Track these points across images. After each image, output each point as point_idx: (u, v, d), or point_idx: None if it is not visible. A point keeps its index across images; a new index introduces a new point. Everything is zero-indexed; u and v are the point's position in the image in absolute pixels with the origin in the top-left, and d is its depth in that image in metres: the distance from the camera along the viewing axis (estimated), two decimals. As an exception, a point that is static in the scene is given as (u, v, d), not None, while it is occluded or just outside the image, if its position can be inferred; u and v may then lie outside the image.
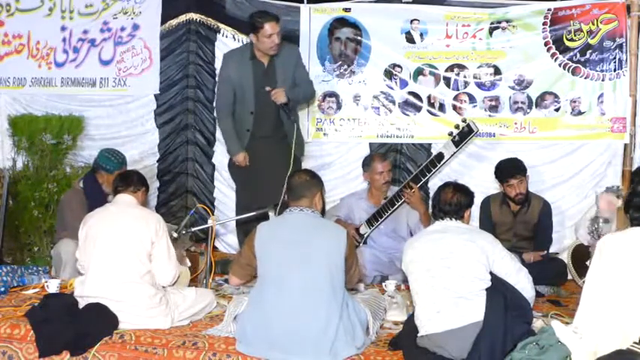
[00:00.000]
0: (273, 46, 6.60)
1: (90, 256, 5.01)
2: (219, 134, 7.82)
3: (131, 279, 4.90)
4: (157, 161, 8.03)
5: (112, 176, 6.35)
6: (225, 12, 7.81)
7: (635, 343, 3.68)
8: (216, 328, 4.99)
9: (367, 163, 6.86)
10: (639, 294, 4.07)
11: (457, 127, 6.36)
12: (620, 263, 4.27)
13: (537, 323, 5.02)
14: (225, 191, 7.84)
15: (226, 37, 7.82)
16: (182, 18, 7.88)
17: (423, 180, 6.45)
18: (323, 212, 4.98)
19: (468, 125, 6.24)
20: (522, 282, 4.75)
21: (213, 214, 6.19)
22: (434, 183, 7.01)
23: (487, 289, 4.53)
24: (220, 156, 7.89)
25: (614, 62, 7.20)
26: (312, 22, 7.62)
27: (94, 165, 6.66)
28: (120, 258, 4.92)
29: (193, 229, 6.21)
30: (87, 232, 5.10)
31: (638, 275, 4.17)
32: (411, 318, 4.82)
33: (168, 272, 5.12)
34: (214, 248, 6.57)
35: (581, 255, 6.67)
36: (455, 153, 6.39)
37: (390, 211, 6.59)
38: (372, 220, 6.65)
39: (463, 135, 6.25)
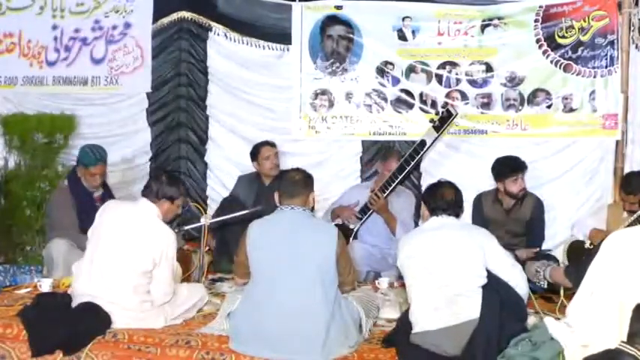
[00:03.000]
0: (272, 167, 6.93)
1: (91, 251, 4.95)
2: (211, 132, 7.86)
3: (123, 288, 4.82)
4: (150, 160, 8.03)
5: (90, 171, 6.41)
6: (217, 10, 7.81)
7: (623, 342, 3.69)
8: (209, 326, 4.97)
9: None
10: (637, 291, 4.09)
11: (437, 113, 6.40)
12: (622, 260, 4.28)
13: (530, 320, 5.04)
14: (218, 189, 7.85)
15: (218, 35, 7.82)
16: (174, 16, 7.88)
17: (408, 168, 6.47)
18: (312, 211, 4.99)
19: (447, 110, 6.29)
20: (516, 278, 4.76)
21: (206, 213, 6.18)
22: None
23: (483, 287, 4.55)
24: (213, 154, 7.90)
25: (606, 59, 7.20)
26: (304, 20, 7.62)
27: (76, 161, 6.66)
28: (117, 265, 4.82)
29: (186, 228, 6.21)
30: (98, 224, 5.01)
31: (635, 270, 4.20)
32: (405, 315, 4.82)
33: (164, 295, 5.00)
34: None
35: (577, 251, 6.67)
36: (436, 138, 6.40)
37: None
38: (361, 213, 6.66)
39: (443, 120, 6.27)
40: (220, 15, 7.79)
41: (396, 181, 6.47)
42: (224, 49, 7.82)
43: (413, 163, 6.45)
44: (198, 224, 6.03)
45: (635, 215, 6.06)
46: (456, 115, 6.24)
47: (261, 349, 4.50)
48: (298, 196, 4.75)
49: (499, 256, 4.72)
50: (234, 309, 4.77)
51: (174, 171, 7.92)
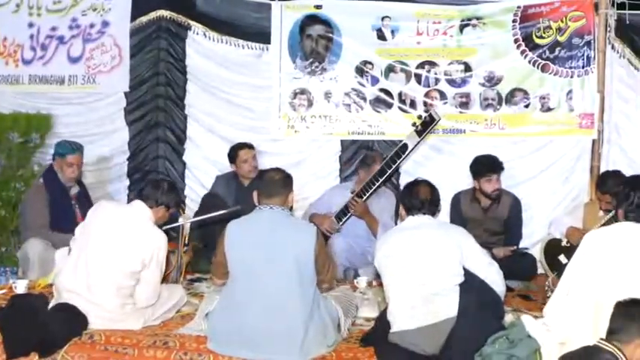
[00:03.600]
0: (251, 170, 6.93)
1: (79, 247, 4.92)
2: (189, 132, 7.83)
3: (105, 288, 4.80)
4: (127, 159, 7.99)
5: (67, 160, 6.44)
6: (195, 9, 7.78)
7: (601, 339, 3.71)
8: (187, 326, 4.98)
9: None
10: (615, 289, 4.11)
11: (420, 117, 6.39)
12: (597, 259, 4.31)
13: (507, 318, 5.06)
14: (196, 189, 7.82)
15: (197, 34, 7.80)
16: (152, 15, 7.84)
17: (389, 171, 6.44)
18: (291, 211, 4.98)
19: (430, 115, 6.26)
20: (493, 276, 4.78)
21: (184, 213, 6.16)
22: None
23: (460, 285, 4.57)
24: (191, 154, 7.87)
25: (583, 59, 7.25)
26: (284, 19, 7.60)
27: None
28: (104, 264, 4.80)
29: (164, 228, 6.18)
30: (89, 222, 5.00)
31: (617, 271, 4.22)
32: (383, 314, 4.84)
33: (149, 299, 4.99)
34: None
35: (554, 249, 6.71)
36: (418, 142, 6.39)
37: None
38: (340, 215, 6.66)
39: (425, 124, 6.27)
40: (199, 14, 7.76)
41: (377, 184, 6.47)
42: (203, 49, 7.79)
43: (394, 167, 6.44)
44: (177, 224, 5.99)
45: (611, 214, 6.10)
46: (439, 120, 6.24)
47: (240, 349, 4.51)
48: (277, 195, 4.74)
49: (476, 254, 4.75)
50: (212, 309, 4.77)
51: (151, 171, 7.92)
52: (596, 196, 6.63)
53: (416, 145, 6.40)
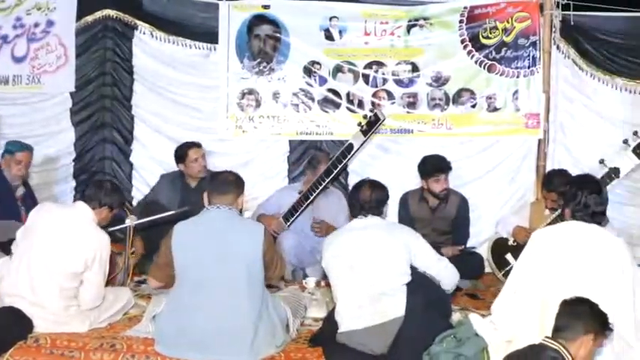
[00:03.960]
0: (200, 170, 6.84)
1: (21, 250, 4.87)
2: (136, 132, 7.75)
3: (49, 290, 4.75)
4: (73, 160, 7.87)
5: (16, 158, 6.41)
6: (142, 8, 7.70)
7: (546, 337, 3.76)
8: (134, 329, 4.95)
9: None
10: (561, 288, 4.16)
11: (365, 117, 6.41)
12: (543, 257, 4.36)
13: (455, 316, 5.10)
14: (143, 190, 7.73)
15: (144, 33, 7.71)
16: (98, 14, 7.73)
17: (335, 171, 6.44)
18: (241, 213, 4.98)
19: (375, 114, 6.28)
20: (443, 271, 4.90)
21: (131, 214, 6.10)
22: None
23: (407, 285, 4.59)
24: (138, 155, 7.80)
25: (528, 59, 7.34)
26: (231, 19, 7.56)
27: None
28: (46, 266, 4.75)
29: (111, 229, 6.12)
30: (31, 224, 4.95)
31: (563, 269, 4.27)
32: (331, 314, 4.86)
33: (93, 300, 4.96)
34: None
35: (501, 248, 6.78)
36: (364, 142, 6.41)
37: (304, 206, 6.58)
38: (288, 216, 6.65)
39: (370, 124, 6.28)
40: (146, 13, 7.69)
41: (323, 184, 6.47)
42: (150, 48, 7.72)
43: (340, 167, 6.44)
44: (124, 225, 5.94)
45: (556, 213, 6.18)
46: (384, 119, 6.26)
47: (187, 351, 4.50)
48: (228, 194, 4.74)
49: (424, 252, 4.81)
50: (159, 311, 4.75)
51: (98, 172, 7.83)
52: (542, 195, 6.70)
53: (361, 145, 6.42)
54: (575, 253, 4.32)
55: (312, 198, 6.53)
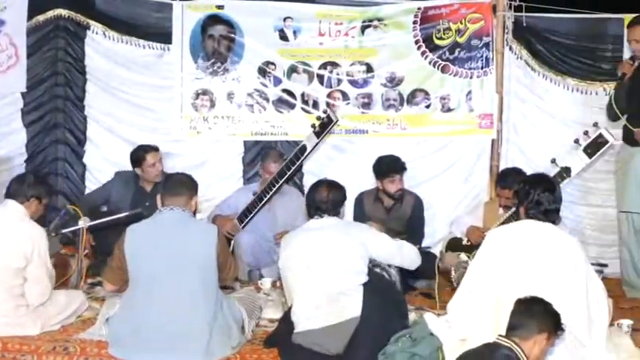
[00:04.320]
0: (157, 174, 6.72)
1: None
2: (89, 133, 7.67)
3: None
4: (25, 161, 7.76)
5: None
6: (94, 8, 7.63)
7: (500, 335, 3.79)
8: (88, 331, 4.91)
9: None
10: (515, 286, 4.20)
11: (319, 118, 6.41)
12: (498, 257, 4.40)
13: (411, 316, 5.13)
14: (92, 189, 7.65)
15: (96, 33, 7.63)
16: (50, 14, 7.64)
17: (289, 173, 6.43)
18: (194, 215, 4.97)
19: (328, 116, 6.28)
20: (407, 256, 5.03)
21: (84, 215, 6.04)
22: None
23: (364, 285, 4.61)
24: (91, 156, 7.72)
25: (482, 60, 7.40)
26: (185, 19, 7.52)
27: None
28: None
29: (63, 231, 6.06)
30: None
31: (517, 268, 4.31)
32: (286, 315, 4.86)
33: (40, 295, 4.92)
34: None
35: (455, 248, 6.81)
36: (317, 144, 6.41)
37: (258, 207, 6.57)
38: (242, 217, 6.64)
39: (323, 125, 6.29)
40: (98, 13, 7.61)
41: (277, 186, 6.46)
42: (102, 48, 7.64)
43: (294, 168, 6.44)
44: (76, 227, 5.89)
45: (510, 212, 6.24)
46: (337, 121, 6.26)
47: (142, 353, 4.49)
48: (181, 195, 4.74)
49: (383, 244, 4.88)
50: (113, 314, 4.72)
51: (50, 173, 7.74)
52: (496, 193, 6.77)
53: (315, 147, 6.42)
54: (530, 252, 4.37)
55: (265, 199, 6.51)
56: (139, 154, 6.75)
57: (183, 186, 4.79)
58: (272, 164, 6.71)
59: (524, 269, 4.31)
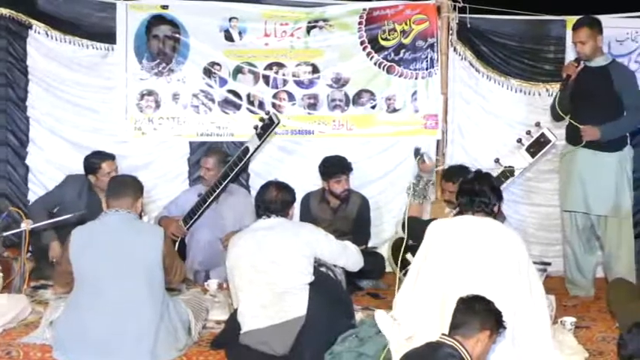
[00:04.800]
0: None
1: None
2: (32, 134, 7.55)
3: None
4: (-34, 165, 7.64)
5: None
6: (36, 7, 7.49)
7: (443, 334, 3.82)
8: (31, 335, 4.88)
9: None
10: (459, 283, 4.24)
11: (262, 119, 6.41)
12: (442, 249, 4.44)
13: (358, 316, 5.16)
14: (40, 193, 7.53)
15: (39, 33, 7.50)
16: (-10, 13, 7.52)
17: (232, 174, 6.42)
18: (140, 217, 4.95)
19: (270, 117, 6.29)
20: (351, 257, 5.07)
21: (27, 218, 5.96)
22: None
23: (310, 284, 4.64)
24: (34, 158, 7.60)
25: (427, 61, 7.46)
26: (129, 20, 7.43)
27: None
28: None
29: (5, 234, 5.98)
30: None
31: (460, 263, 4.36)
32: (233, 315, 4.89)
33: None
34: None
35: (401, 248, 6.86)
36: (259, 145, 6.42)
37: (202, 208, 6.55)
38: (187, 219, 6.60)
39: (266, 127, 6.29)
40: (40, 13, 7.48)
41: (220, 187, 6.44)
42: (45, 48, 7.52)
43: (237, 170, 6.42)
44: (19, 230, 5.81)
45: (456, 210, 6.30)
46: (279, 122, 6.26)
47: (87, 357, 4.48)
48: (126, 197, 4.73)
49: (328, 245, 4.92)
50: (57, 317, 4.69)
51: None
52: (441, 187, 6.85)
53: (257, 148, 6.42)
54: (473, 247, 4.43)
55: (209, 201, 6.49)
56: (94, 163, 6.58)
57: (127, 188, 4.77)
58: (208, 159, 6.74)
59: (468, 265, 4.37)
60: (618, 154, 6.29)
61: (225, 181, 6.41)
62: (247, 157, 6.38)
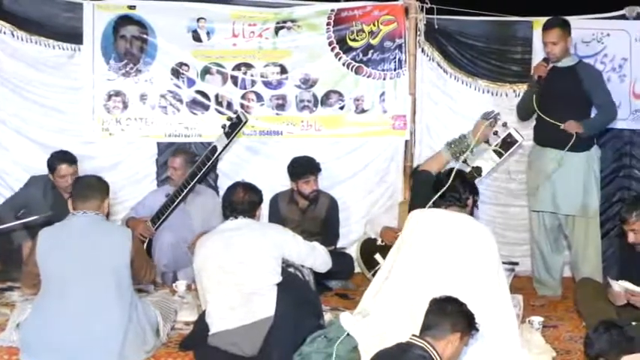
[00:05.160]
0: (68, 186, 6.45)
1: None
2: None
3: None
4: None
5: None
6: (2, 7, 7.37)
7: (414, 335, 3.83)
8: (-2, 337, 4.81)
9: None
10: (431, 281, 4.26)
11: (229, 119, 6.41)
12: (414, 244, 4.46)
13: (327, 316, 5.17)
14: (6, 195, 7.43)
15: (4, 33, 7.39)
16: (-48, 13, 7.42)
17: (200, 174, 6.41)
18: (107, 218, 4.93)
19: (238, 116, 6.29)
20: (319, 258, 5.11)
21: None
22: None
23: (278, 285, 4.64)
24: (1, 159, 7.50)
25: (395, 62, 7.48)
26: (96, 20, 7.36)
27: None
28: None
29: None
30: None
31: (433, 261, 4.38)
32: (201, 317, 4.88)
33: None
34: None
35: (370, 248, 6.89)
36: (227, 144, 6.41)
37: (170, 209, 6.53)
38: (155, 219, 6.58)
39: (233, 126, 6.29)
40: (6, 12, 7.38)
41: (188, 187, 6.43)
42: (10, 49, 7.41)
43: (204, 169, 6.41)
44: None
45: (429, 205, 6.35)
46: (246, 121, 6.26)
47: (54, 359, 4.40)
48: (92, 199, 4.71)
49: (296, 246, 4.94)
50: (24, 319, 4.66)
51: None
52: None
53: (225, 147, 6.41)
54: (444, 243, 4.48)
55: (177, 201, 6.48)
56: (53, 162, 6.63)
57: (93, 189, 4.75)
58: (175, 159, 6.77)
59: (440, 262, 4.41)
60: (586, 153, 6.38)
61: (194, 181, 6.40)
62: (215, 156, 6.37)
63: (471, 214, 4.91)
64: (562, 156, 6.28)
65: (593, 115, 6.53)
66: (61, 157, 6.65)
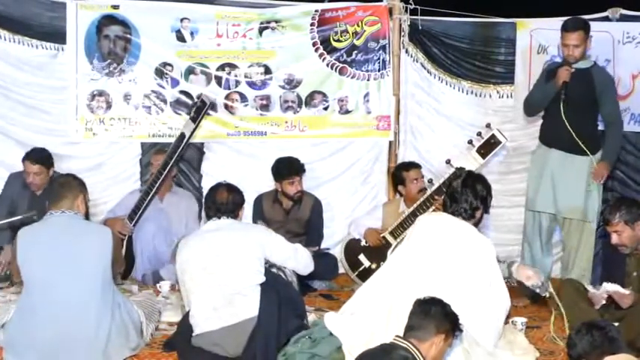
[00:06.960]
0: (34, 184, 6.62)
1: None
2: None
3: None
4: None
5: None
6: (-17, 7, 7.40)
7: (397, 336, 3.84)
8: (-18, 338, 4.79)
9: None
10: (419, 283, 4.27)
11: (194, 104, 6.55)
12: (410, 247, 4.47)
13: (310, 317, 5.17)
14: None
15: (-13, 33, 7.39)
16: (-64, 11, 7.37)
17: (171, 162, 6.49)
18: (87, 216, 4.91)
19: (202, 100, 6.31)
20: (301, 261, 5.12)
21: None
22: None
23: (261, 285, 4.64)
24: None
25: (379, 63, 7.49)
26: (79, 19, 7.32)
27: None
28: None
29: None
30: None
31: (420, 262, 4.39)
32: (185, 318, 4.86)
33: None
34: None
35: (354, 249, 6.90)
36: (195, 129, 6.47)
37: (146, 202, 6.56)
38: (132, 215, 6.58)
39: (198, 110, 6.32)
40: (-13, 12, 7.39)
41: (161, 177, 6.45)
42: (-7, 48, 7.42)
43: (175, 157, 6.45)
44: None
45: (408, 212, 6.37)
46: (210, 104, 6.29)
47: (38, 358, 4.41)
48: (67, 197, 4.71)
49: (279, 247, 4.95)
50: (8, 319, 4.65)
51: None
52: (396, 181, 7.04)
53: (193, 132, 6.45)
54: (439, 246, 4.49)
55: (152, 193, 6.50)
56: (23, 157, 6.70)
57: (67, 188, 4.75)
58: (158, 156, 6.79)
59: (431, 266, 4.42)
60: (590, 157, 6.24)
61: (166, 170, 6.45)
62: (184, 143, 6.43)
63: (479, 221, 4.84)
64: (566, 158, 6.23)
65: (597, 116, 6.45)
66: (28, 154, 6.69)
